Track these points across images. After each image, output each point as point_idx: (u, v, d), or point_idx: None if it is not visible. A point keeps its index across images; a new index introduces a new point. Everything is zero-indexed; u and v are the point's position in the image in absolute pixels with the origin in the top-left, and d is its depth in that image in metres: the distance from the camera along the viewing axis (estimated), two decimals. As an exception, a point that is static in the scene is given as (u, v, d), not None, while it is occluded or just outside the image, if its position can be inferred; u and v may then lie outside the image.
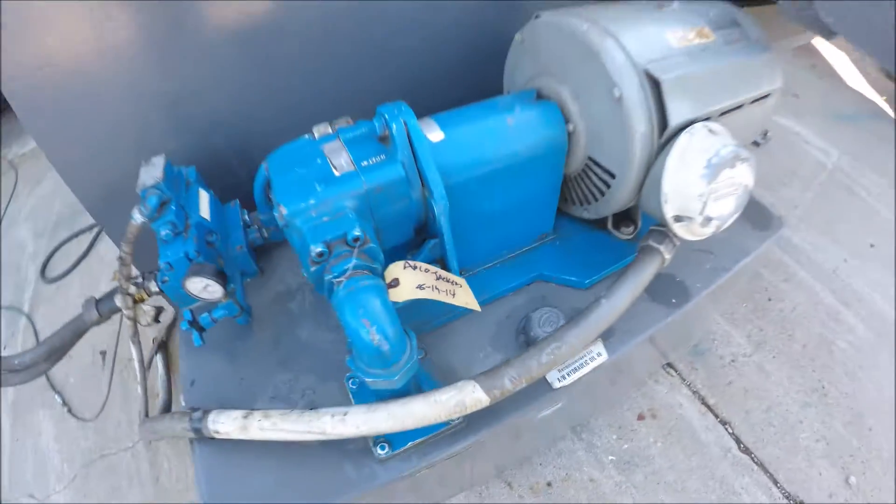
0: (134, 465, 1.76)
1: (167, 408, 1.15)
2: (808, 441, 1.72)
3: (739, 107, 0.95)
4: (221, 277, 0.83)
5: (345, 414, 0.69)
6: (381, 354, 0.66)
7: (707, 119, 0.89)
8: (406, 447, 0.81)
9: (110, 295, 0.99)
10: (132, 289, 0.92)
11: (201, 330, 0.91)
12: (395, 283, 0.72)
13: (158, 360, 1.91)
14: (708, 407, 1.78)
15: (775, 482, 1.60)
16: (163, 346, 1.98)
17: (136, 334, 0.98)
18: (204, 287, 0.81)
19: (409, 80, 1.32)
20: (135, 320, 0.95)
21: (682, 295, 1.08)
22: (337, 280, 0.65)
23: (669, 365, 1.87)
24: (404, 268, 0.74)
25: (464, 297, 0.82)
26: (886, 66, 0.89)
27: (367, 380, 0.67)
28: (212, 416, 0.79)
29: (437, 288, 0.76)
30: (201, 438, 0.82)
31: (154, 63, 1.00)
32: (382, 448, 0.80)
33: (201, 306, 0.93)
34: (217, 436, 0.78)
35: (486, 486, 1.54)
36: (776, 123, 2.86)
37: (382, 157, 0.77)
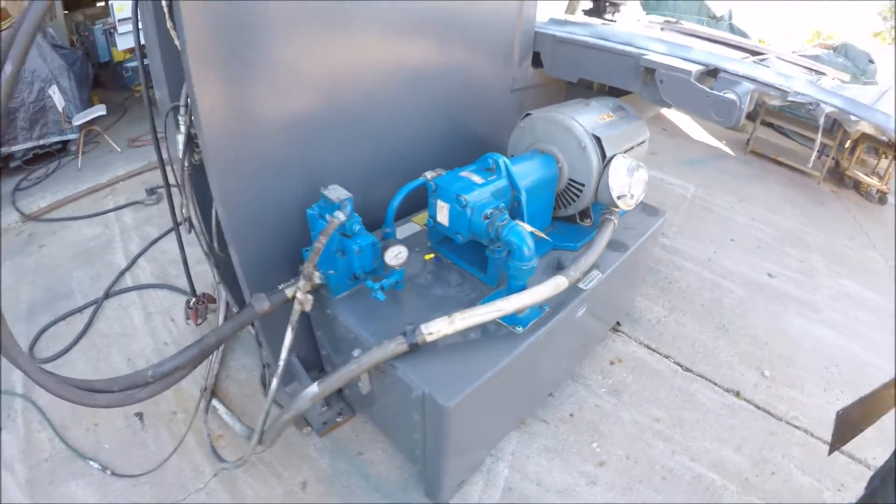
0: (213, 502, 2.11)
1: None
2: (726, 357, 2.92)
3: (632, 148, 2.18)
4: (405, 247, 1.73)
5: (509, 299, 1.62)
6: (529, 252, 1.61)
7: (621, 153, 2.09)
8: (529, 326, 1.70)
9: (277, 290, 1.77)
10: (317, 276, 1.74)
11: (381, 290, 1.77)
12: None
13: (217, 403, 2.49)
14: (652, 350, 2.90)
15: (714, 384, 2.74)
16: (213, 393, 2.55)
17: (296, 320, 1.68)
18: (396, 255, 1.68)
19: (444, 147, 2.40)
20: (302, 306, 1.74)
21: (624, 247, 2.22)
22: (501, 224, 1.62)
23: (618, 326, 3.00)
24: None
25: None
26: (703, 118, 2.18)
27: (522, 266, 1.62)
28: (422, 327, 1.62)
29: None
30: (403, 359, 1.55)
31: (307, 146, 1.92)
32: (520, 327, 1.72)
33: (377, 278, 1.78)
34: (429, 338, 1.59)
35: (529, 427, 2.41)
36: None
37: (495, 176, 1.78)
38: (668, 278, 3.50)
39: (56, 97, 5.33)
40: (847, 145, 5.12)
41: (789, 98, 2.27)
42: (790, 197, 4.91)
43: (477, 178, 1.72)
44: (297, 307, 1.65)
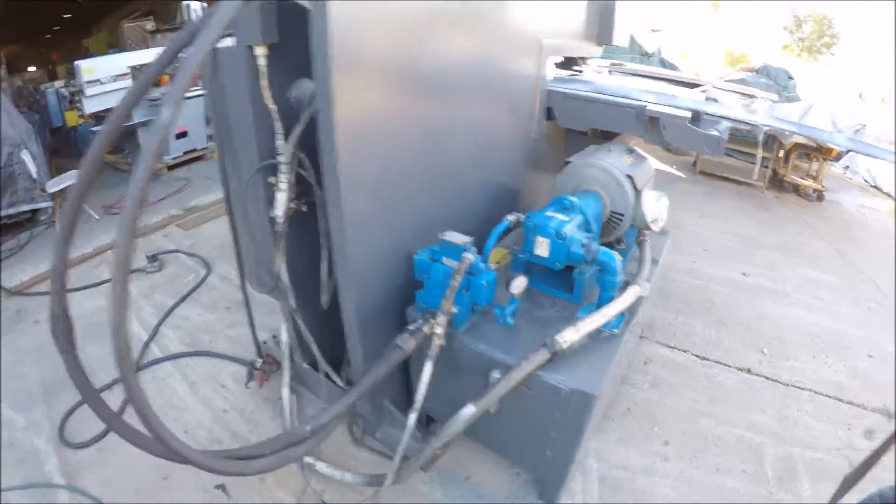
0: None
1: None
2: (730, 343, 3.65)
3: (650, 181, 2.93)
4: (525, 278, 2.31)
5: (611, 306, 2.22)
6: (619, 268, 2.24)
7: (647, 187, 2.81)
8: (619, 327, 2.32)
9: (415, 329, 2.28)
10: (453, 309, 2.28)
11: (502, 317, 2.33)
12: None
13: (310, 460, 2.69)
14: (672, 347, 3.60)
15: (728, 366, 3.45)
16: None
17: (436, 355, 2.22)
18: (518, 285, 2.26)
19: (480, 192, 3.02)
20: (441, 341, 2.25)
21: (655, 262, 2.94)
22: (595, 250, 2.24)
23: (642, 336, 3.70)
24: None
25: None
26: (696, 151, 2.96)
27: (615, 280, 2.24)
28: (556, 338, 2.15)
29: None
30: (545, 368, 2.08)
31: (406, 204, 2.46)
32: (615, 329, 2.31)
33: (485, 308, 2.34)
34: (564, 346, 2.09)
35: (599, 425, 2.99)
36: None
37: (573, 214, 2.42)
38: (664, 289, 4.27)
39: (29, 162, 5.31)
40: (781, 154, 6.28)
41: (759, 130, 3.13)
42: (741, 207, 5.95)
43: (562, 217, 2.35)
44: (437, 342, 2.13)
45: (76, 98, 7.53)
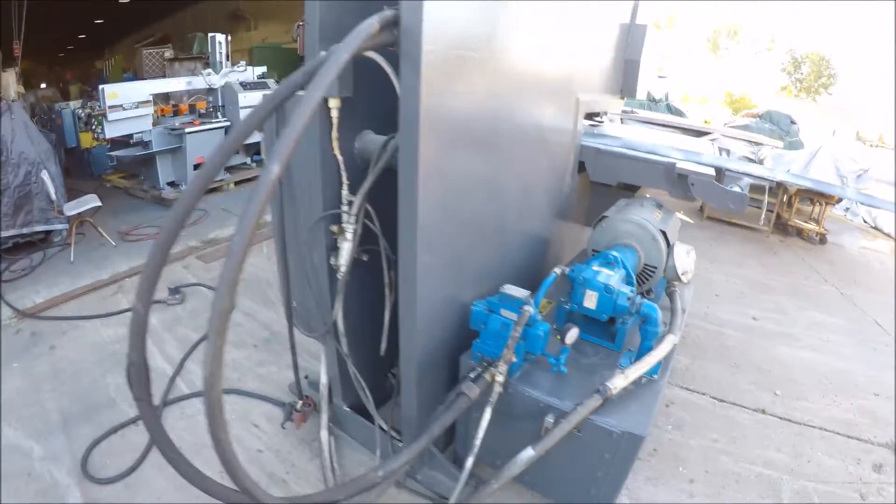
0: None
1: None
2: (744, 385, 3.92)
3: (677, 235, 3.23)
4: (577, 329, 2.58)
5: (652, 354, 2.48)
6: (659, 319, 2.50)
7: (677, 241, 3.11)
8: (658, 374, 2.58)
9: (477, 376, 2.54)
10: (513, 358, 2.54)
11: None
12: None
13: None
14: (691, 391, 3.85)
15: (744, 407, 3.69)
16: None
17: (496, 401, 2.49)
18: (572, 335, 2.52)
19: (520, 244, 3.29)
20: (500, 388, 2.50)
21: (683, 310, 3.22)
22: (640, 302, 2.50)
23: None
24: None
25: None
26: (721, 208, 3.27)
27: (656, 330, 2.50)
28: (608, 384, 2.38)
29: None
30: (596, 412, 2.31)
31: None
32: (654, 375, 2.56)
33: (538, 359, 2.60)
34: (613, 391, 2.32)
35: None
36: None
37: (616, 269, 2.69)
38: (682, 334, 4.56)
39: (48, 183, 5.39)
40: (785, 199, 6.66)
41: (772, 184, 3.45)
42: (748, 252, 6.31)
43: (609, 272, 2.63)
44: (497, 389, 2.37)
45: (92, 120, 7.82)
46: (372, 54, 2.00)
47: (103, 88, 6.50)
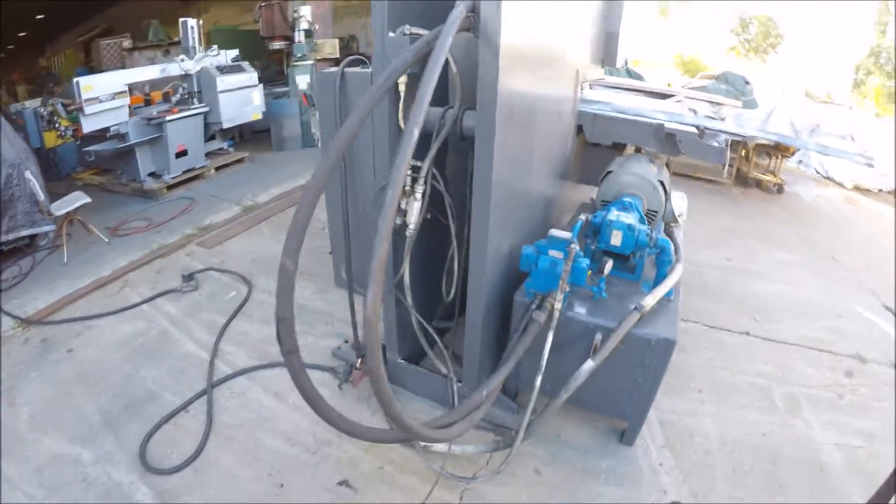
0: None
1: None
2: (727, 314, 4.67)
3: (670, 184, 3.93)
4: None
5: (670, 277, 3.12)
6: (671, 250, 3.18)
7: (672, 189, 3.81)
8: (672, 295, 3.22)
9: (541, 305, 3.15)
10: (567, 287, 3.17)
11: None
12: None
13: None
14: (684, 320, 4.62)
15: (730, 331, 4.46)
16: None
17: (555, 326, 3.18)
18: (608, 266, 3.06)
19: (542, 211, 3.93)
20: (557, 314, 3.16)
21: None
22: (656, 237, 3.13)
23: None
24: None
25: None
26: (704, 160, 4.00)
27: (670, 259, 3.14)
28: (642, 302, 2.93)
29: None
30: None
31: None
32: (670, 297, 3.21)
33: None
34: (648, 308, 2.97)
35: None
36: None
37: (633, 211, 3.38)
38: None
39: (34, 183, 5.35)
40: (744, 153, 7.57)
41: (748, 140, 4.21)
42: (715, 202, 7.18)
43: (627, 214, 3.29)
44: (556, 315, 2.98)
45: (55, 118, 7.88)
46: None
47: (78, 81, 6.56)
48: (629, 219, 3.23)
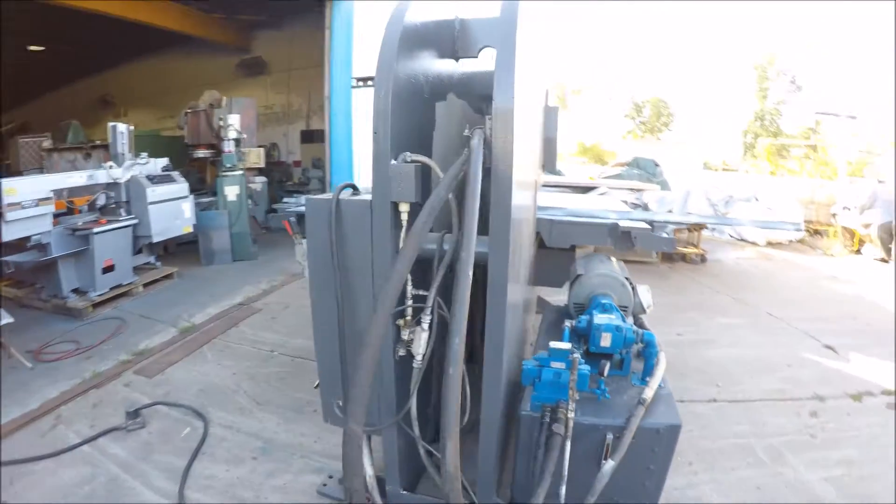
0: None
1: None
2: (693, 385, 5.20)
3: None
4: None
5: (658, 369, 3.58)
6: (656, 342, 3.63)
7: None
8: (663, 384, 3.70)
9: (554, 417, 3.46)
10: (577, 396, 3.48)
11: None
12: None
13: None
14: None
15: (698, 401, 4.97)
16: None
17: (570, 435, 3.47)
18: (607, 367, 3.49)
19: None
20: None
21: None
22: (641, 333, 3.57)
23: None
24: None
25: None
26: (656, 251, 4.57)
27: (656, 352, 3.58)
28: (642, 396, 3.29)
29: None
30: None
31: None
32: (661, 385, 3.67)
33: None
34: (648, 400, 3.41)
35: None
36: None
37: (614, 312, 3.80)
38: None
39: None
40: (668, 230, 8.44)
41: (688, 226, 4.86)
42: (649, 281, 7.72)
43: (611, 316, 3.70)
44: (570, 424, 3.25)
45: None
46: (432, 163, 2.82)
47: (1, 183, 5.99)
48: (615, 320, 3.64)
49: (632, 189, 7.03)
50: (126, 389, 5.16)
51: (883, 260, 9.74)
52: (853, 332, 6.47)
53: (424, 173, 2.83)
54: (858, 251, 10.33)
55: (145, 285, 8.05)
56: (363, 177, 10.63)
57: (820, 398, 4.82)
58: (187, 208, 8.56)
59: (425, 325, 2.93)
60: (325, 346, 3.37)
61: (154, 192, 7.79)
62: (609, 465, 3.14)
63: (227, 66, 15.29)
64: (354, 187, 3.32)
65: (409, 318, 2.97)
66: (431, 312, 2.93)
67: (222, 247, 9.56)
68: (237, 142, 9.47)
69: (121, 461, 4.02)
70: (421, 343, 2.95)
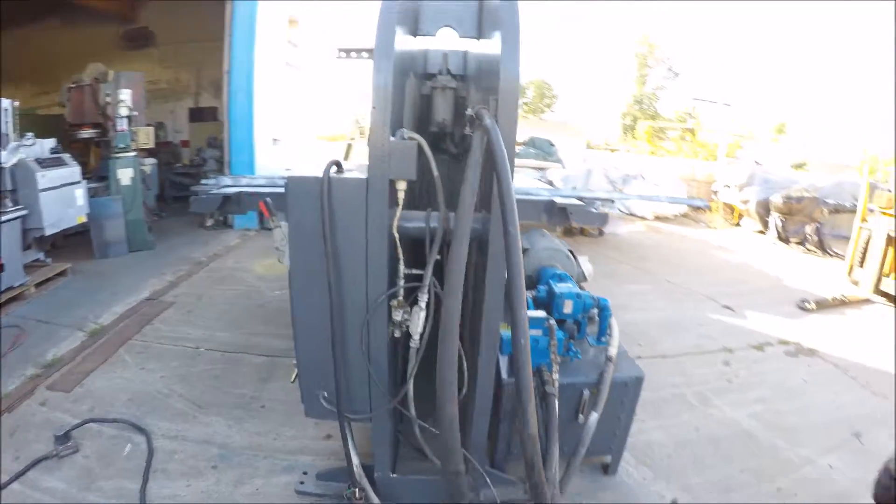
0: None
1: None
2: None
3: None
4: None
5: (613, 328, 4.03)
6: (609, 306, 4.07)
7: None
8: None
9: (546, 381, 3.79)
10: (558, 359, 3.82)
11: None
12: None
13: None
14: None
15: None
16: None
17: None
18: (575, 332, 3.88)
19: None
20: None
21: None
22: (597, 298, 4.02)
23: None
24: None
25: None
26: (590, 226, 5.06)
27: (609, 315, 4.03)
28: (607, 353, 3.74)
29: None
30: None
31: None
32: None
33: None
34: (614, 357, 3.84)
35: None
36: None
37: (569, 281, 4.20)
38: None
39: None
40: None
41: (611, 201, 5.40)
42: (555, 254, 8.60)
43: (568, 284, 4.10)
44: (557, 385, 3.58)
45: None
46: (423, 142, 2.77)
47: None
48: (573, 288, 4.05)
49: (535, 168, 7.54)
50: (43, 409, 4.50)
51: (760, 232, 11.23)
52: (745, 293, 7.46)
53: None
54: (738, 224, 11.92)
55: (37, 285, 7.02)
56: (260, 157, 10.47)
57: (729, 350, 5.65)
58: (80, 195, 7.68)
59: (422, 304, 2.90)
60: (308, 337, 3.29)
61: (45, 178, 6.91)
62: (594, 417, 3.52)
63: (107, 36, 13.85)
64: (339, 165, 3.08)
65: (401, 298, 2.94)
66: (428, 291, 2.88)
67: (117, 237, 8.66)
68: (129, 120, 8.65)
69: (61, 494, 3.54)
70: (419, 322, 2.92)
